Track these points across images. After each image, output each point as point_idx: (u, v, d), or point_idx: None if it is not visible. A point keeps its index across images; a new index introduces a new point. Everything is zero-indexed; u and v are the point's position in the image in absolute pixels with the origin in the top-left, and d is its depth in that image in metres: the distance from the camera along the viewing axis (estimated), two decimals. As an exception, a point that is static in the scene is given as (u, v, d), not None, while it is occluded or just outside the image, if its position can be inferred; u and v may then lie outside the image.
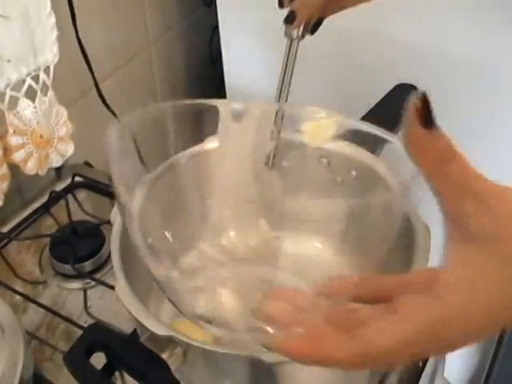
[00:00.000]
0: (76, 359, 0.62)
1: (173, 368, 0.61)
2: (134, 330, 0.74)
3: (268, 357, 0.59)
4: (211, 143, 0.82)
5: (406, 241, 0.71)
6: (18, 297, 0.94)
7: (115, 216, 0.75)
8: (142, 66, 1.33)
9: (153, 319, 0.63)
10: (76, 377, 0.61)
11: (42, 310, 0.92)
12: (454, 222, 0.41)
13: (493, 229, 0.39)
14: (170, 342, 0.62)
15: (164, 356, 0.61)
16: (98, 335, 0.63)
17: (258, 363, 0.59)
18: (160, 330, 0.62)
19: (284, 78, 0.76)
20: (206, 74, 1.50)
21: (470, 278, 0.39)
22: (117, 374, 0.78)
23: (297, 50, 0.76)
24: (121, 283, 0.67)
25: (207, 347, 0.62)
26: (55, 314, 0.90)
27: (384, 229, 0.79)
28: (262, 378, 0.64)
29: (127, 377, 0.75)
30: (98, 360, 0.65)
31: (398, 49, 1.06)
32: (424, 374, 0.83)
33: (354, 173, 0.81)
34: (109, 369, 0.75)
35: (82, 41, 1.10)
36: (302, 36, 0.75)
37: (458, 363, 1.39)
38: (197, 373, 0.66)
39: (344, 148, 0.80)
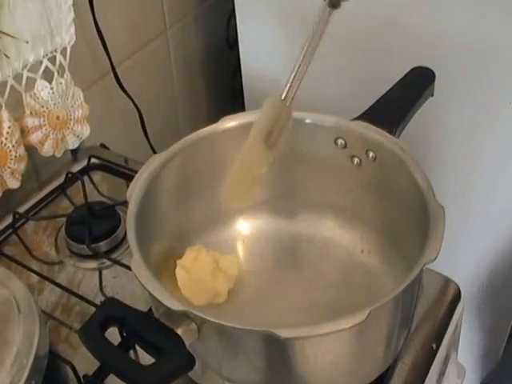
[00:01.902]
0: (91, 333, 0.62)
1: (187, 343, 0.61)
2: (150, 309, 0.74)
3: (282, 332, 0.59)
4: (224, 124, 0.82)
5: (420, 221, 0.71)
6: (34, 277, 0.95)
7: (131, 194, 0.75)
8: (159, 49, 1.33)
9: (168, 294, 0.63)
10: (91, 350, 0.61)
11: (57, 291, 0.92)
12: None
13: None
14: (184, 317, 0.62)
15: (179, 331, 0.61)
16: (114, 309, 0.64)
17: (272, 339, 0.59)
18: (175, 306, 0.62)
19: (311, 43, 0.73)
20: (222, 58, 1.50)
21: None
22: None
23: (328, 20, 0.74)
24: (136, 259, 0.67)
25: (222, 322, 0.62)
26: (71, 293, 0.90)
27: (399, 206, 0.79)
28: (276, 354, 0.64)
29: (141, 353, 0.75)
30: (112, 337, 0.65)
31: (414, 33, 1.06)
32: (437, 357, 0.83)
33: (371, 154, 0.81)
34: (124, 345, 0.76)
35: (99, 24, 1.11)
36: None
37: (471, 348, 1.39)
38: (211, 348, 0.66)
39: (362, 129, 0.80)
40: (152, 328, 0.62)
